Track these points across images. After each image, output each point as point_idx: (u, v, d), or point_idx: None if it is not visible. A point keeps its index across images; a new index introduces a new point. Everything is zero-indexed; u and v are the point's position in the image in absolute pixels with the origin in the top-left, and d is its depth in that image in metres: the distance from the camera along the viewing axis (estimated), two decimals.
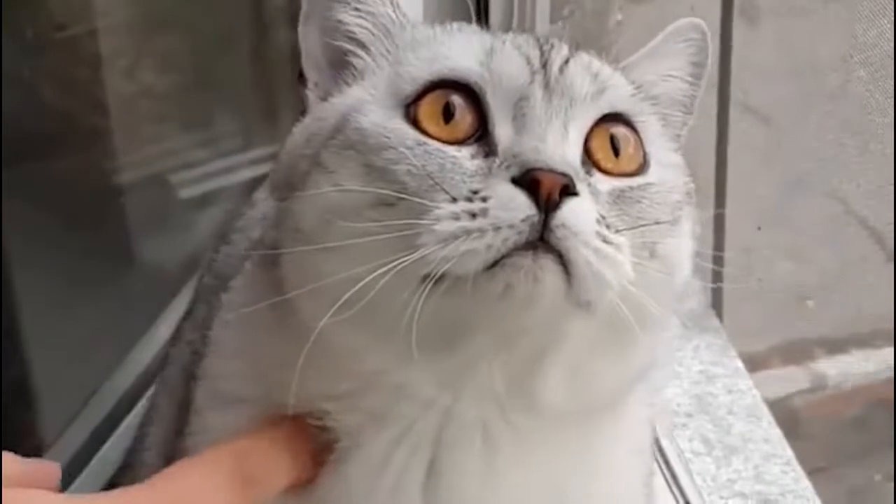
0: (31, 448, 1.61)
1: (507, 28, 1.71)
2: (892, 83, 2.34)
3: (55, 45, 1.93)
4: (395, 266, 0.86)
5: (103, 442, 1.67)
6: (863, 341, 2.96)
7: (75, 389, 1.71)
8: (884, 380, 2.89)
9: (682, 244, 0.99)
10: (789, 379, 2.83)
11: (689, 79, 1.09)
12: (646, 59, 1.08)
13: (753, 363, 2.86)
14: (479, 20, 1.67)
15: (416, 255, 0.86)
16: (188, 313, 1.43)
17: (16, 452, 0.88)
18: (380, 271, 0.86)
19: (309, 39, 1.03)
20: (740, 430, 1.80)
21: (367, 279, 0.86)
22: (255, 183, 1.64)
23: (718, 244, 1.98)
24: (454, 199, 0.88)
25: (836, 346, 2.93)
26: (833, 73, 2.69)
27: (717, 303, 2.01)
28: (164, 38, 2.22)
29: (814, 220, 2.80)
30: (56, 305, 1.73)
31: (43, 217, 1.77)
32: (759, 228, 2.62)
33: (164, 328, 1.67)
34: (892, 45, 2.28)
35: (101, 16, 2.06)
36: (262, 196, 1.40)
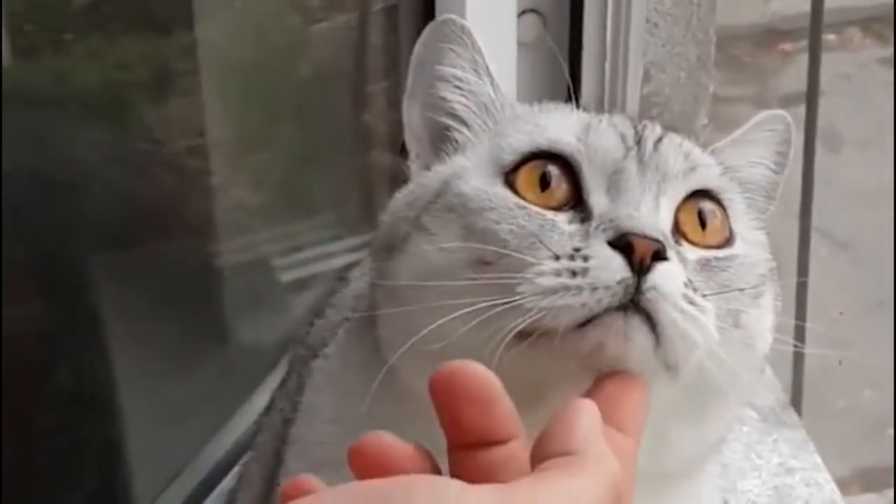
0: None
1: None
2: None
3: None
4: (488, 311, 0.89)
5: None
6: None
7: (170, 459, 1.76)
8: None
9: (764, 316, 1.03)
10: None
11: (773, 166, 1.14)
12: (733, 146, 1.13)
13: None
14: None
15: (513, 302, 0.89)
16: (281, 384, 1.47)
17: None
18: (474, 322, 0.90)
19: (412, 114, 1.10)
20: None
21: (460, 331, 0.90)
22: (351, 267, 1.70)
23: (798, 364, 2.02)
24: (557, 257, 0.92)
25: None
26: None
27: (796, 401, 2.03)
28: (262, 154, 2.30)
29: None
30: (155, 379, 1.79)
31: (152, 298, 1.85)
32: (841, 313, 2.63)
33: (258, 402, 1.72)
34: None
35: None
36: (356, 275, 1.44)
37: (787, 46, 4.77)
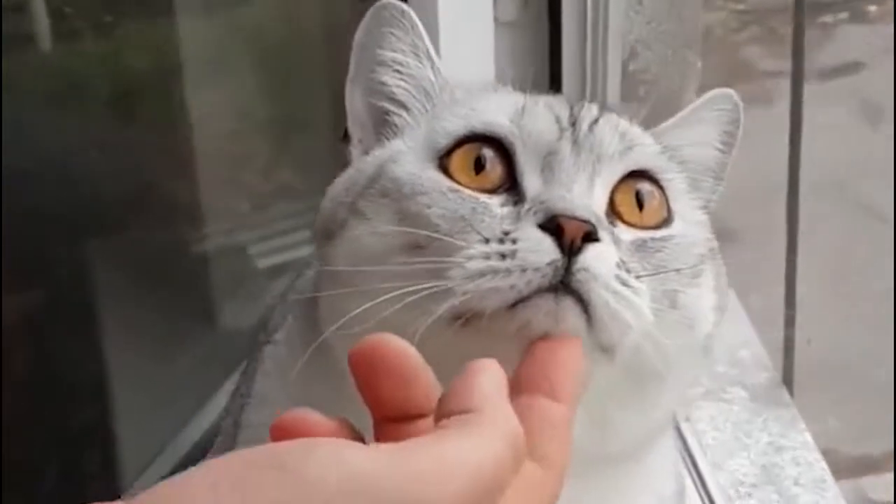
0: (108, 490, 1.69)
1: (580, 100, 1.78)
2: None
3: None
4: (418, 295, 0.90)
5: None
6: None
7: (153, 437, 1.78)
8: None
9: (704, 296, 1.03)
10: None
11: (720, 146, 1.14)
12: (679, 126, 1.13)
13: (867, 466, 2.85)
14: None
15: (441, 286, 0.90)
16: (244, 369, 1.47)
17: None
18: (403, 304, 0.90)
19: (354, 99, 1.11)
20: (806, 501, 1.81)
21: (391, 312, 0.91)
22: None
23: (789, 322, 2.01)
24: (486, 240, 0.92)
25: None
26: None
27: (787, 379, 2.03)
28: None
29: None
30: (141, 359, 1.81)
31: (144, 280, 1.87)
32: None
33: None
34: None
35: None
36: None
37: (828, 19, 4.73)
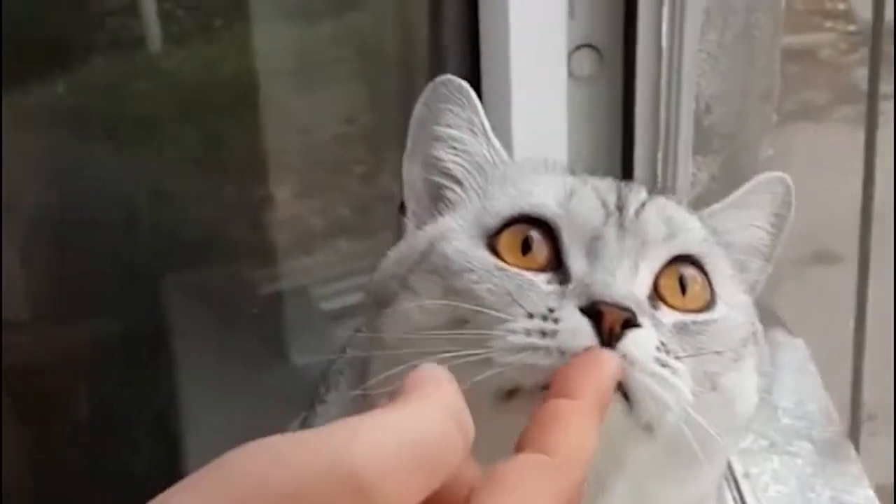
0: None
1: (652, 154, 1.80)
2: None
3: None
4: (459, 361, 0.91)
5: None
6: None
7: None
8: None
9: (745, 378, 1.05)
10: None
11: (770, 229, 1.16)
12: (729, 208, 1.16)
13: None
14: (624, 150, 1.79)
15: (482, 355, 0.93)
16: (302, 422, 1.46)
17: None
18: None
19: (411, 173, 1.15)
20: None
21: None
22: None
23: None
24: (530, 315, 0.95)
25: None
26: None
27: (854, 434, 2.02)
28: None
29: None
30: (212, 393, 1.85)
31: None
32: None
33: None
34: None
35: None
36: None
37: None
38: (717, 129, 1.88)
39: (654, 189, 1.14)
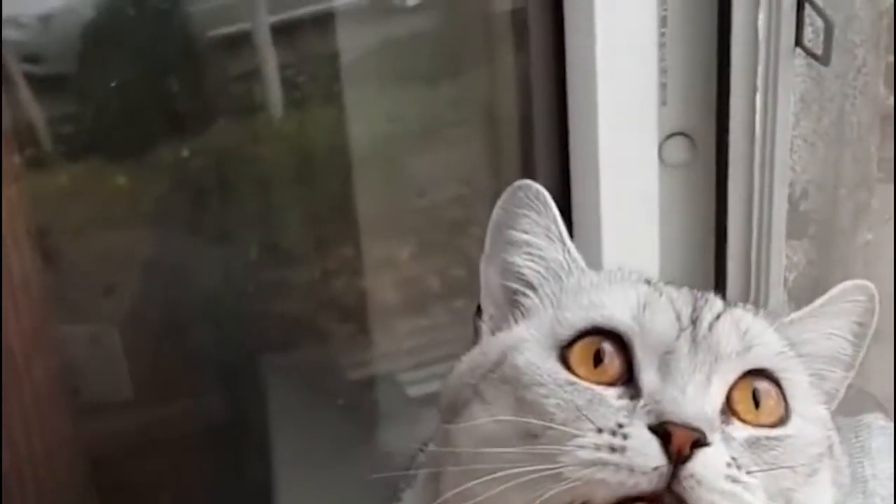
0: None
1: (746, 238, 1.79)
2: None
3: None
4: (529, 476, 0.93)
5: None
6: None
7: None
8: None
9: (820, 494, 1.04)
10: None
11: (851, 338, 1.14)
12: (810, 317, 1.14)
13: None
14: (717, 235, 1.77)
15: (552, 470, 0.93)
16: None
17: None
18: (514, 483, 0.94)
19: (488, 276, 1.15)
20: None
21: (503, 491, 0.94)
22: None
23: None
24: (599, 431, 0.95)
25: None
26: None
27: None
28: None
29: None
30: (304, 476, 1.85)
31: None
32: None
33: None
34: None
35: None
36: None
37: None
38: (811, 214, 1.86)
39: (740, 300, 1.12)
